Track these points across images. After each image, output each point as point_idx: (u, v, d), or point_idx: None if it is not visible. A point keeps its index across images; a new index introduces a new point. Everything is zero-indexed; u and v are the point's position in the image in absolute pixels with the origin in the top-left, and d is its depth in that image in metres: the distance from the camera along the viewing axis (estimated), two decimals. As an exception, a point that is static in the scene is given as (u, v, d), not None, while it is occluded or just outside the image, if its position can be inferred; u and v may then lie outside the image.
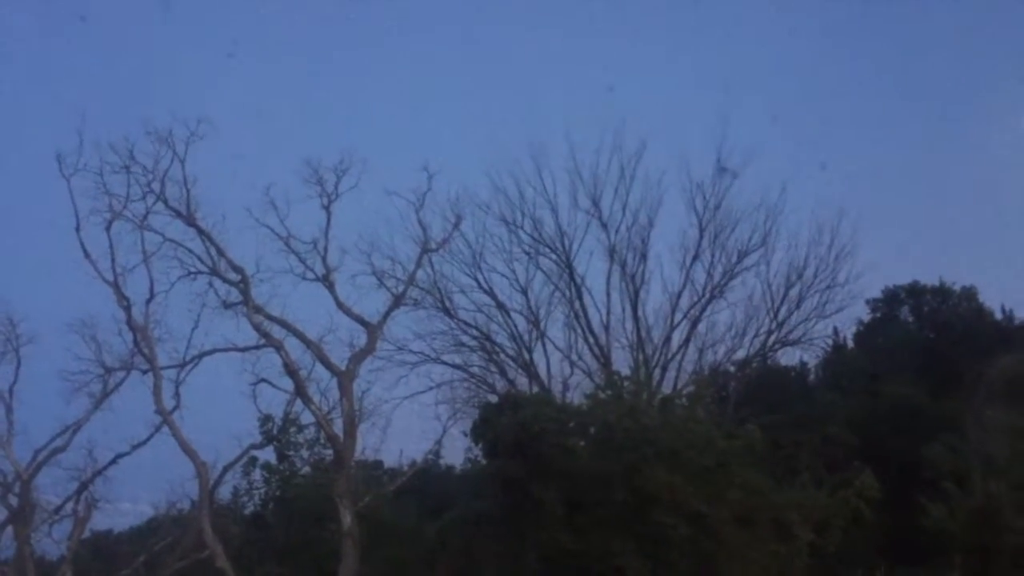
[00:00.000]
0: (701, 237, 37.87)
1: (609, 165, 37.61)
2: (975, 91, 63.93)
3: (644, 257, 38.02)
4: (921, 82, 65.53)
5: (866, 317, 42.84)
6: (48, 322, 30.61)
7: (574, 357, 37.98)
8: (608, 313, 37.87)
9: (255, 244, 26.97)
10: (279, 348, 26.57)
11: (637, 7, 66.27)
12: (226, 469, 29.51)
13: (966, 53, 65.23)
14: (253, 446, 30.89)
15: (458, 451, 36.57)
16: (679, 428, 26.91)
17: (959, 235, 56.02)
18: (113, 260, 26.39)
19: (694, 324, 38.15)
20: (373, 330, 27.73)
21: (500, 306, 38.09)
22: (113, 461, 29.94)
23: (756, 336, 38.67)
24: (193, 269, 26.86)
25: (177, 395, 27.72)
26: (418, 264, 30.93)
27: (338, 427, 26.79)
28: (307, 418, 30.60)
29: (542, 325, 38.13)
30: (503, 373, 38.04)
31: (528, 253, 38.17)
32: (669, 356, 37.77)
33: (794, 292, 38.37)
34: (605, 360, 37.19)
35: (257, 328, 26.58)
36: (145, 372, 27.76)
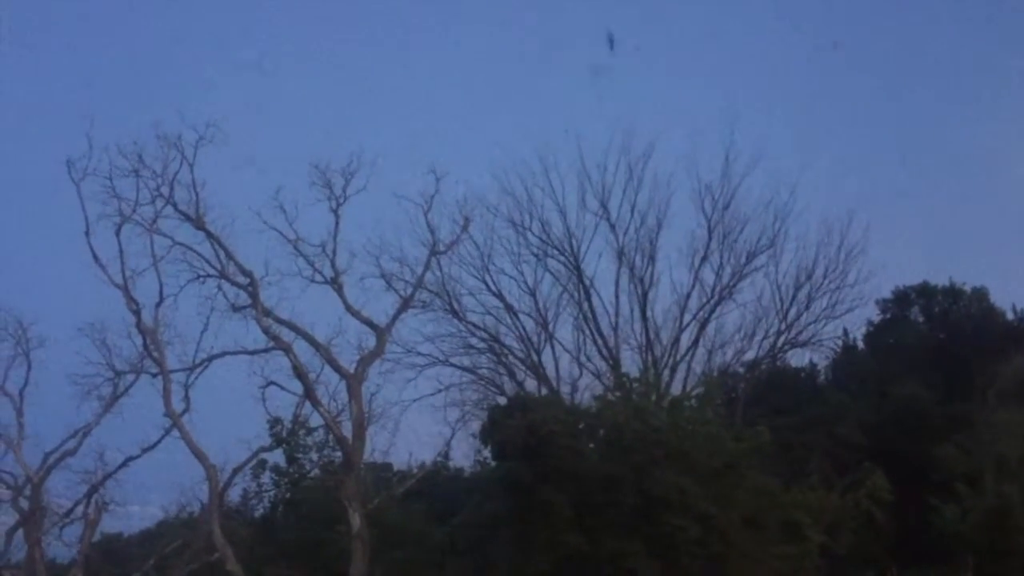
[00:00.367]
0: (710, 238, 37.88)
1: (617, 166, 37.64)
2: (988, 90, 63.69)
3: (653, 258, 38.03)
4: (933, 82, 65.37)
5: (876, 318, 42.72)
6: (58, 326, 30.67)
7: (583, 359, 38.01)
8: (617, 315, 37.90)
9: (264, 247, 27.00)
10: (288, 351, 26.57)
11: (645, 6, 66.13)
12: (235, 472, 29.49)
13: (979, 52, 65.00)
14: (262, 449, 30.87)
15: (467, 453, 36.58)
16: (688, 430, 26.88)
17: (970, 235, 55.82)
18: (123, 264, 26.41)
19: (703, 325, 38.12)
20: (382, 333, 27.71)
21: (508, 308, 38.10)
22: (123, 464, 29.94)
23: (765, 337, 38.66)
24: (202, 272, 26.87)
25: (187, 398, 27.74)
26: (426, 266, 30.92)
27: (347, 430, 26.77)
28: (316, 421, 30.52)
29: (551, 327, 38.18)
30: (512, 375, 38.06)
31: (536, 255, 38.21)
32: (678, 357, 37.74)
33: (803, 293, 38.35)
34: (614, 362, 37.14)
35: (266, 331, 26.59)
36: (155, 375, 27.77)
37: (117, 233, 26.23)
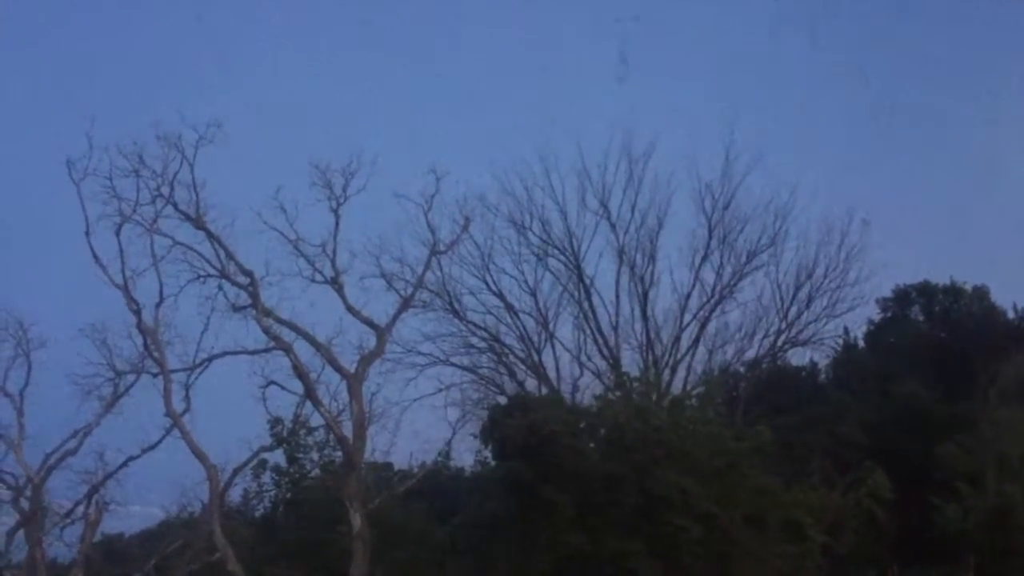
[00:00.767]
0: (710, 237, 37.89)
1: (618, 166, 37.63)
2: (987, 88, 63.56)
3: (653, 258, 38.05)
4: (932, 79, 65.19)
5: (876, 317, 42.75)
6: (59, 326, 30.62)
7: (583, 358, 38.02)
8: (617, 314, 37.91)
9: (264, 247, 26.97)
10: (288, 351, 26.54)
11: (645, 5, 66.04)
12: (236, 472, 29.44)
13: (980, 50, 64.86)
14: (263, 449, 30.84)
15: (468, 453, 36.53)
16: (689, 429, 26.86)
17: (971, 234, 55.73)
18: (123, 264, 26.35)
19: (703, 325, 38.14)
20: (382, 332, 27.68)
21: (509, 308, 38.11)
22: (124, 464, 29.90)
23: (766, 336, 38.67)
24: (202, 272, 26.81)
25: (187, 398, 27.69)
26: (427, 266, 30.88)
27: (348, 429, 26.74)
28: (317, 420, 30.50)
29: (551, 326, 38.19)
30: (512, 375, 38.05)
31: (537, 255, 38.21)
32: (679, 357, 37.75)
33: (804, 292, 38.35)
34: (614, 361, 37.14)
35: (266, 331, 26.57)
36: (155, 375, 27.74)
37: (117, 233, 26.18)
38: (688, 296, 37.96)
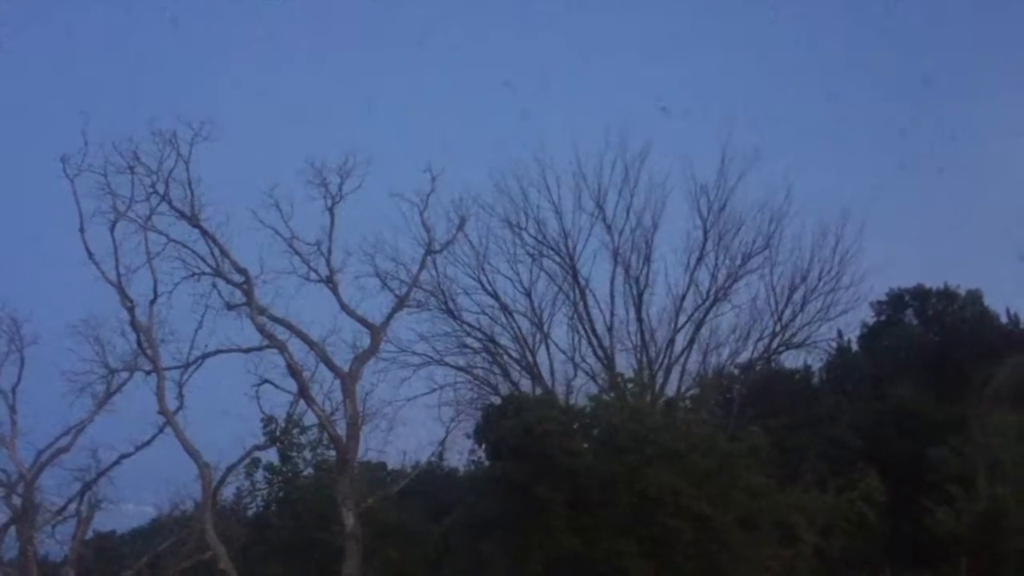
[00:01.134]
0: (705, 239, 37.88)
1: (613, 167, 37.63)
2: (982, 92, 63.78)
3: (648, 259, 38.03)
4: (928, 83, 65.47)
5: (870, 320, 42.74)
6: (52, 323, 30.65)
7: (577, 359, 38.00)
8: (612, 315, 37.89)
9: (259, 245, 26.98)
10: (282, 349, 26.55)
11: (641, 8, 66.25)
12: (229, 470, 29.50)
13: (974, 54, 65.12)
14: (256, 447, 30.90)
15: (461, 453, 36.61)
16: (683, 430, 26.87)
17: (965, 238, 55.91)
18: (117, 261, 26.41)
19: (698, 326, 38.13)
20: (376, 331, 27.70)
21: (504, 308, 38.10)
22: (116, 462, 29.95)
23: (760, 339, 38.68)
24: (197, 270, 26.88)
25: (180, 396, 27.73)
26: (422, 266, 30.94)
27: (341, 428, 26.75)
28: (310, 419, 30.60)
29: (546, 327, 38.16)
30: (506, 375, 38.02)
31: (532, 255, 38.20)
32: (673, 358, 37.73)
33: (798, 295, 38.39)
34: (609, 362, 37.14)
35: (260, 329, 26.57)
36: (148, 373, 27.76)
37: (111, 230, 26.22)
38: (683, 298, 38.00)
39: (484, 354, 38.45)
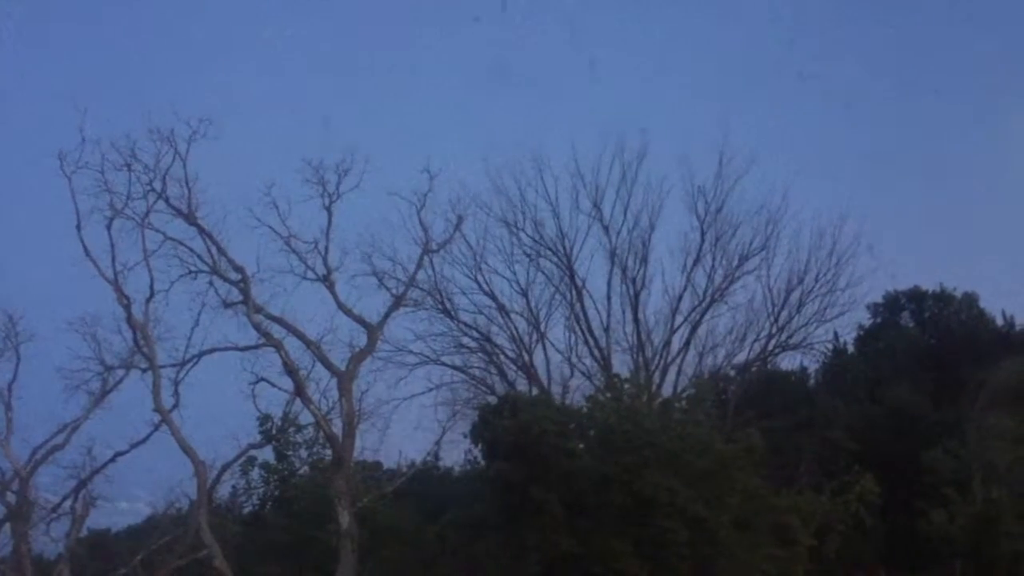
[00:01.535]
0: (702, 240, 37.92)
1: (611, 168, 37.64)
2: (980, 95, 63.93)
3: (645, 260, 38.06)
4: (925, 86, 65.59)
5: (867, 322, 42.85)
6: (48, 320, 30.45)
7: (574, 359, 38.02)
8: (608, 316, 37.91)
9: (256, 243, 26.90)
10: (279, 348, 26.47)
11: (638, 8, 66.28)
12: (225, 468, 29.34)
13: (972, 57, 65.21)
14: (252, 446, 30.73)
15: (457, 453, 36.58)
16: (679, 431, 26.90)
17: (961, 240, 56.06)
18: (114, 258, 26.21)
19: (694, 328, 38.17)
20: (373, 331, 27.65)
21: (500, 308, 38.10)
22: (112, 459, 29.75)
23: (756, 340, 38.73)
24: (194, 268, 26.72)
25: (176, 394, 27.54)
26: (419, 265, 30.83)
27: (337, 427, 26.69)
28: (306, 418, 30.42)
29: (542, 327, 38.16)
30: (503, 375, 38.02)
31: (529, 255, 38.19)
32: (669, 359, 37.81)
33: (795, 296, 38.43)
34: (605, 363, 37.15)
35: (257, 327, 26.48)
36: (145, 371, 27.61)
37: (108, 227, 26.05)
38: (679, 299, 38.03)
39: (481, 354, 38.50)
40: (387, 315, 28.61)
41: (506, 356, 38.16)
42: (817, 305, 38.49)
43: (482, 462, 29.86)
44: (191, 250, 26.57)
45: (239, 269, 26.78)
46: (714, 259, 37.96)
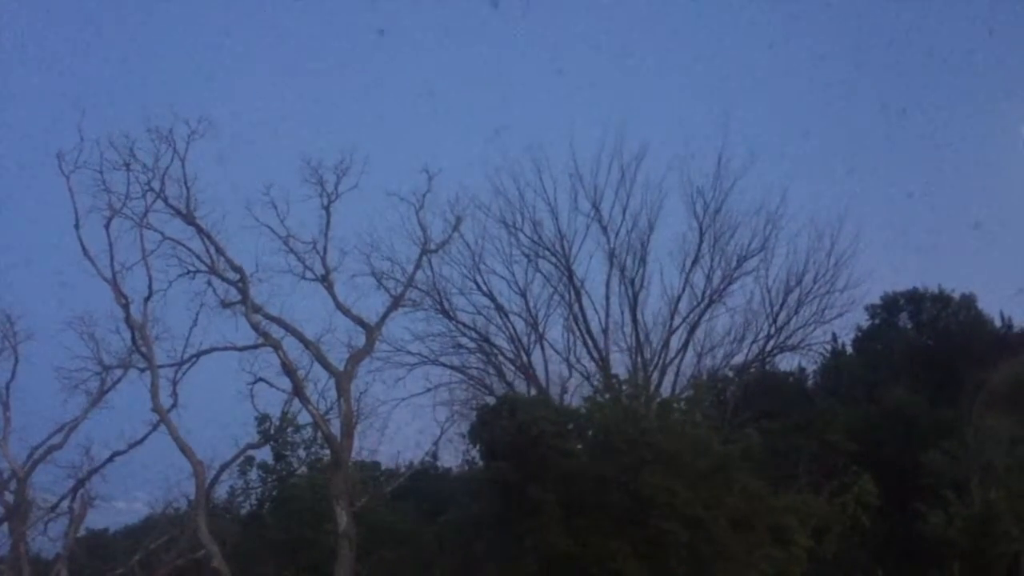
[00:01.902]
0: (701, 241, 37.85)
1: (610, 168, 37.64)
2: (978, 98, 64.07)
3: (644, 261, 38.00)
4: (923, 89, 65.67)
5: (865, 323, 42.91)
6: (46, 319, 30.50)
7: (572, 360, 37.95)
8: (607, 316, 37.85)
9: (255, 243, 26.93)
10: (277, 348, 26.49)
11: (637, 9, 66.34)
12: (223, 468, 29.41)
13: (969, 60, 65.37)
14: (250, 445, 30.82)
15: (456, 453, 36.63)
16: (677, 432, 26.86)
17: (959, 242, 56.16)
18: (112, 258, 26.29)
19: (693, 328, 38.11)
20: (371, 331, 27.67)
21: (499, 308, 38.04)
22: (109, 459, 29.78)
23: (755, 341, 38.65)
24: (192, 268, 26.79)
25: (174, 394, 27.61)
26: (417, 265, 30.87)
27: (335, 427, 26.72)
28: (304, 418, 30.53)
29: (541, 328, 38.10)
30: (501, 375, 37.96)
31: (527, 256, 38.13)
32: (667, 360, 37.72)
33: (793, 297, 38.35)
34: (603, 363, 37.10)
35: (255, 327, 26.51)
36: (143, 370, 27.64)
37: (107, 227, 26.11)
38: (678, 299, 37.96)
39: (479, 354, 38.43)
40: (385, 315, 28.66)
41: (504, 356, 38.14)
42: (815, 306, 38.46)
43: (480, 462, 29.84)
44: (189, 250, 26.67)
45: (237, 269, 26.81)
46: (712, 260, 37.95)
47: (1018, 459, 31.22)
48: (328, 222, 27.22)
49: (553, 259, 38.03)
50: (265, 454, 33.09)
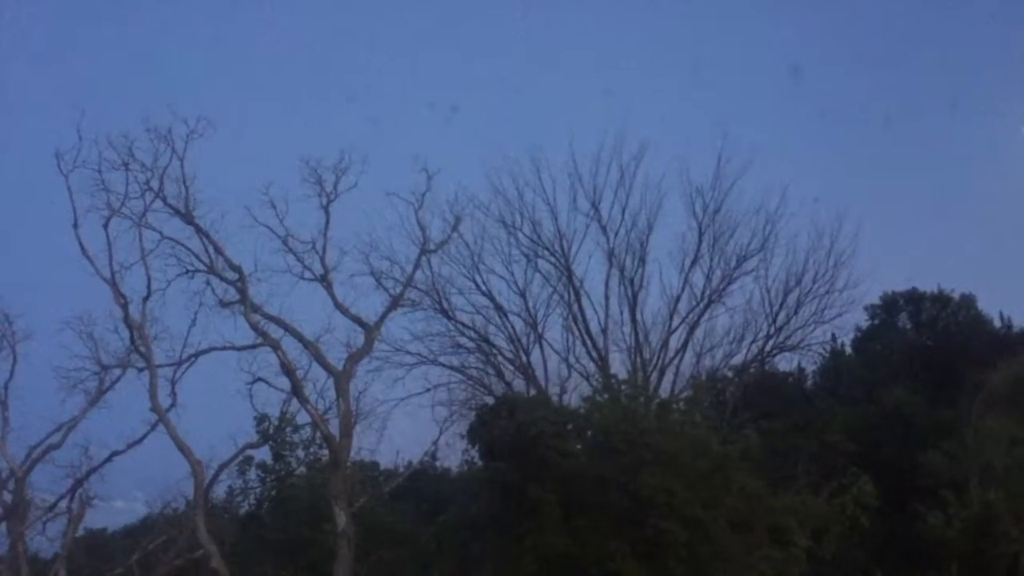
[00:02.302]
0: (700, 241, 37.78)
1: (609, 168, 37.60)
2: (977, 97, 64.05)
3: (643, 261, 37.94)
4: (922, 88, 65.70)
5: (864, 324, 42.83)
6: (45, 319, 30.49)
7: (572, 360, 37.88)
8: (606, 316, 37.78)
9: (253, 243, 26.92)
10: (276, 347, 26.49)
11: (636, 9, 66.33)
12: (221, 468, 29.48)
13: (968, 59, 65.38)
14: (249, 445, 30.87)
15: (455, 453, 36.51)
16: (676, 432, 26.84)
17: (958, 242, 56.16)
18: (111, 257, 26.30)
19: (692, 328, 38.05)
20: (370, 331, 27.66)
21: (498, 308, 37.97)
22: (108, 459, 29.82)
23: (754, 341, 38.58)
24: (191, 267, 26.79)
25: (173, 393, 27.65)
26: (416, 265, 30.87)
27: (334, 427, 26.73)
28: (303, 418, 30.56)
29: (540, 327, 38.02)
30: (500, 375, 37.91)
31: (527, 255, 38.07)
32: (667, 360, 37.66)
33: (792, 297, 38.27)
34: (603, 363, 37.06)
35: (254, 327, 26.50)
36: (141, 370, 27.65)
37: (106, 226, 26.11)
38: (677, 299, 37.89)
39: (478, 354, 38.35)
40: (384, 315, 28.67)
41: (504, 356, 38.08)
42: (815, 306, 38.39)
43: (479, 462, 29.81)
44: (188, 249, 26.67)
45: (236, 268, 26.80)
46: (712, 260, 37.88)
47: (1017, 459, 31.19)
48: (327, 222, 27.24)
49: (552, 259, 38.02)
50: (264, 454, 33.14)
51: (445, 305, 37.53)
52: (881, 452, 33.15)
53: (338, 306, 27.49)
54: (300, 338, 26.83)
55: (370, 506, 30.51)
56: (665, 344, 37.76)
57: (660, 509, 24.26)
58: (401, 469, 35.45)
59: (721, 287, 38.00)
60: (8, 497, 30.13)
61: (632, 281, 37.87)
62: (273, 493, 33.90)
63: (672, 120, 51.60)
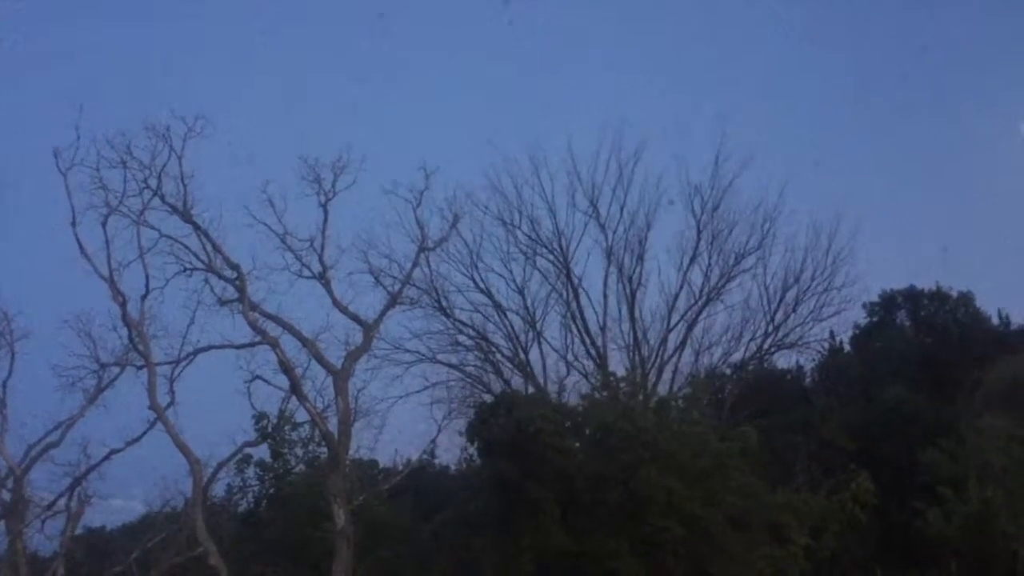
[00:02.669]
0: (699, 239, 37.91)
1: (607, 166, 37.63)
2: (974, 95, 64.07)
3: (641, 258, 38.04)
4: (921, 86, 65.68)
5: (863, 321, 42.83)
6: (43, 317, 30.46)
7: (570, 358, 37.97)
8: (605, 314, 37.89)
9: (252, 241, 26.89)
10: (274, 345, 26.45)
11: (635, 9, 66.31)
12: (220, 466, 29.40)
13: (966, 57, 65.36)
14: (247, 443, 30.80)
15: (453, 451, 36.58)
16: (675, 430, 26.88)
17: (957, 240, 56.17)
18: (109, 255, 26.21)
19: (691, 326, 38.15)
20: (369, 329, 27.63)
21: (497, 306, 38.06)
22: (107, 457, 29.79)
23: (752, 339, 38.71)
24: (189, 265, 26.71)
25: (172, 392, 27.56)
26: (415, 263, 30.84)
27: (333, 425, 26.70)
28: (302, 416, 30.47)
29: (538, 325, 38.12)
30: (499, 373, 37.99)
31: (525, 253, 38.16)
32: (665, 358, 37.75)
33: (791, 295, 38.43)
34: (601, 361, 37.13)
35: (253, 325, 26.46)
36: (140, 368, 27.60)
37: (104, 224, 26.04)
38: (676, 297, 38.03)
39: (477, 352, 38.45)
40: (383, 313, 28.64)
41: (502, 354, 38.17)
42: (813, 304, 38.56)
43: (478, 460, 29.85)
44: (187, 247, 26.60)
45: (235, 267, 26.76)
46: (710, 257, 38.03)
47: (1016, 457, 31.16)
48: (326, 220, 27.21)
49: (551, 257, 38.11)
50: (263, 452, 33.05)
51: (444, 303, 37.64)
52: (880, 449, 33.16)
53: (337, 304, 27.47)
54: (299, 336, 26.81)
55: (369, 504, 30.51)
56: (664, 342, 37.87)
57: (659, 507, 24.32)
58: (400, 467, 35.46)
59: (720, 285, 38.14)
60: (7, 495, 30.12)
61: (631, 279, 37.99)
62: (272, 491, 33.87)
63: (671, 119, 51.62)
